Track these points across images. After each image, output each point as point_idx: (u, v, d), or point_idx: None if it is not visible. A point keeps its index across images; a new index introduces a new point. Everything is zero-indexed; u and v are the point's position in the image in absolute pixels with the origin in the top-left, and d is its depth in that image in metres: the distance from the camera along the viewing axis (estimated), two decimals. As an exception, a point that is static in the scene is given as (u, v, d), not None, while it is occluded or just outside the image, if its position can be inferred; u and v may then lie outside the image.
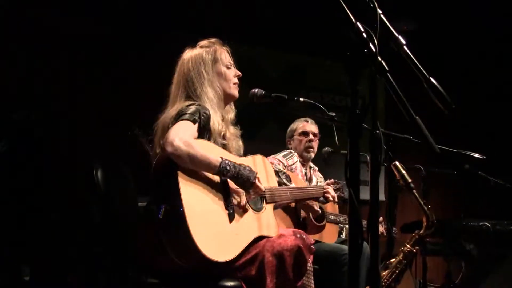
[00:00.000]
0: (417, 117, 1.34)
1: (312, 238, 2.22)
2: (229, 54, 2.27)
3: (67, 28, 4.23)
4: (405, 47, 1.37)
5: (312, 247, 2.08)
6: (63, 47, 4.22)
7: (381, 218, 3.25)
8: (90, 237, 3.45)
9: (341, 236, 3.56)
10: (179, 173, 1.86)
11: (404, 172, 2.28)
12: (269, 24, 4.97)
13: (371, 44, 1.27)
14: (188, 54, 2.22)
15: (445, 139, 2.26)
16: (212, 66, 2.19)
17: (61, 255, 3.71)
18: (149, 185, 1.99)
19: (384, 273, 2.33)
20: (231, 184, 1.99)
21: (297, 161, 3.41)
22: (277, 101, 2.40)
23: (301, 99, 2.39)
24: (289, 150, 3.48)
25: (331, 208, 3.36)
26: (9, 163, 3.60)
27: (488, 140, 5.27)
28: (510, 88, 5.62)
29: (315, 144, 3.50)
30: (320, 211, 3.12)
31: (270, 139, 4.85)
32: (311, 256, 2.10)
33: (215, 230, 1.88)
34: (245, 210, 2.03)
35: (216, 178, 1.96)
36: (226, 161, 1.93)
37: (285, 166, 3.28)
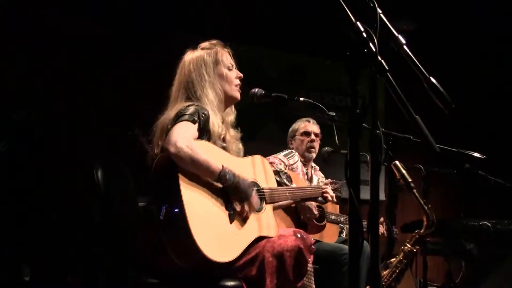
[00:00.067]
0: (417, 116, 1.34)
1: (312, 238, 2.22)
2: (230, 55, 2.27)
3: (67, 28, 4.23)
4: (405, 46, 1.37)
5: (313, 247, 2.08)
6: (63, 47, 4.22)
7: (382, 219, 3.25)
8: (90, 237, 3.45)
9: (342, 235, 3.56)
10: (180, 174, 1.86)
11: (404, 171, 2.28)
12: (269, 24, 4.97)
13: (371, 44, 1.27)
14: (189, 56, 2.22)
15: (445, 139, 2.25)
16: (213, 68, 2.18)
17: (61, 255, 3.71)
18: (149, 185, 1.99)
19: (384, 272, 2.33)
20: None
21: (298, 160, 3.41)
22: (277, 101, 2.40)
23: (301, 99, 2.39)
24: (290, 150, 3.48)
25: (332, 208, 3.36)
26: (9, 163, 3.60)
27: (488, 139, 5.26)
28: (510, 88, 5.62)
29: (317, 144, 3.51)
30: (319, 212, 3.13)
31: (270, 139, 4.85)
32: (312, 256, 2.10)
33: (216, 231, 1.89)
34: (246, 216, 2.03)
35: (217, 179, 1.96)
36: (227, 170, 1.92)
37: (286, 166, 3.28)
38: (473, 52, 5.59)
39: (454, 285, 3.81)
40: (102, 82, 4.33)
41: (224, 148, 2.11)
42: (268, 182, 2.25)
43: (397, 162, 2.29)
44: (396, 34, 1.38)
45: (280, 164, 3.23)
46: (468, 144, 2.70)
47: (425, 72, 1.35)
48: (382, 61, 1.28)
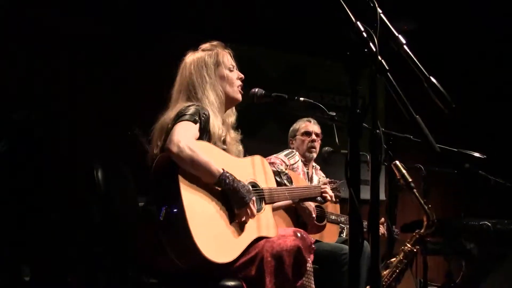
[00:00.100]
0: (417, 116, 1.34)
1: (312, 238, 2.22)
2: (231, 56, 2.27)
3: (67, 28, 4.23)
4: (405, 46, 1.37)
5: (313, 246, 2.08)
6: (63, 47, 4.22)
7: (382, 219, 3.25)
8: (90, 237, 3.45)
9: (342, 235, 3.56)
10: (180, 174, 1.86)
11: (404, 171, 2.28)
12: (269, 24, 4.97)
13: (371, 44, 1.27)
14: (190, 57, 2.22)
15: (445, 138, 2.25)
16: (214, 69, 2.18)
17: (61, 255, 3.71)
18: (149, 185, 1.99)
19: (384, 272, 2.33)
20: None
21: (298, 160, 3.41)
22: (277, 101, 2.40)
23: (301, 99, 2.39)
24: (290, 150, 3.48)
25: (332, 208, 3.36)
26: (9, 163, 3.60)
27: (488, 139, 5.27)
28: (510, 88, 5.62)
29: (318, 144, 3.51)
30: (320, 213, 3.13)
31: (270, 139, 4.85)
32: (311, 256, 2.10)
33: (216, 231, 1.88)
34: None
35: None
36: (227, 174, 1.92)
37: (287, 166, 3.28)
38: (473, 52, 5.59)
39: (454, 285, 3.81)
40: (102, 82, 4.33)
41: (224, 151, 2.11)
42: (267, 182, 2.25)
43: (397, 162, 2.29)
44: (396, 34, 1.38)
45: (281, 164, 3.23)
46: (468, 144, 2.70)
47: (425, 72, 1.35)
48: (382, 61, 1.28)
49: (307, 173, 3.48)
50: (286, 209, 3.03)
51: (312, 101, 2.41)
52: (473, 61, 5.66)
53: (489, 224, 3.60)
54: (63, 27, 4.22)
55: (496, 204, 4.53)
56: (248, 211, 1.97)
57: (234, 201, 1.95)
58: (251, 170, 2.17)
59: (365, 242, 2.51)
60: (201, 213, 1.85)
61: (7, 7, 4.06)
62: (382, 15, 1.34)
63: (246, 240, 1.98)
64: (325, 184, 2.90)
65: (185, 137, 1.87)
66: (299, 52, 5.41)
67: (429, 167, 3.00)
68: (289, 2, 4.76)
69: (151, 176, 1.96)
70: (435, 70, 1.44)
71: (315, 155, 3.50)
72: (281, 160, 3.29)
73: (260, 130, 5.10)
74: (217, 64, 2.19)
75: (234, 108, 2.30)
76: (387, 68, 1.29)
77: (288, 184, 2.76)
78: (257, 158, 2.26)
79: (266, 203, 2.16)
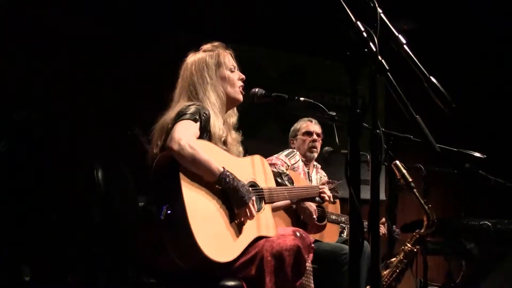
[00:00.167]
0: (417, 116, 1.34)
1: (312, 238, 2.22)
2: (232, 57, 2.27)
3: (67, 28, 4.23)
4: (405, 46, 1.37)
5: (312, 245, 2.08)
6: (63, 47, 4.22)
7: (383, 219, 3.25)
8: (90, 237, 3.45)
9: (342, 235, 3.56)
10: (181, 173, 1.86)
11: (404, 171, 2.28)
12: (269, 24, 4.97)
13: (371, 43, 1.27)
14: (191, 58, 2.22)
15: (445, 138, 2.25)
16: (215, 70, 2.18)
17: (61, 255, 3.71)
18: (149, 185, 1.99)
19: (385, 272, 2.33)
20: None
21: (299, 160, 3.41)
22: (277, 101, 2.40)
23: (301, 99, 2.39)
24: (291, 149, 3.48)
25: (332, 208, 3.36)
26: (9, 163, 3.60)
27: (489, 139, 5.27)
28: (510, 88, 5.62)
29: (319, 144, 3.51)
30: (320, 212, 3.13)
31: (270, 139, 4.86)
32: (311, 255, 2.10)
33: (216, 230, 1.89)
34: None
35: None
36: (227, 173, 1.92)
37: (288, 166, 3.28)
38: (473, 52, 5.59)
39: (454, 284, 3.81)
40: (102, 82, 4.33)
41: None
42: (267, 182, 2.25)
43: (397, 162, 2.29)
44: (396, 33, 1.38)
45: (283, 165, 3.23)
46: (468, 144, 2.70)
47: (425, 72, 1.35)
48: (382, 60, 1.28)
49: (308, 172, 3.48)
50: (286, 209, 3.03)
51: (312, 101, 2.41)
52: (473, 61, 5.66)
53: (489, 224, 3.60)
54: (63, 27, 4.22)
55: (496, 204, 4.53)
56: (247, 211, 1.96)
57: (233, 200, 1.95)
58: (251, 170, 2.17)
59: (365, 242, 2.52)
60: (202, 212, 1.85)
61: (7, 7, 4.06)
62: (382, 14, 1.34)
63: (246, 239, 1.98)
64: (323, 184, 2.91)
65: (186, 135, 1.87)
66: (299, 52, 5.41)
67: (429, 167, 3.00)
68: (289, 2, 4.76)
69: (152, 176, 1.96)
70: (435, 70, 1.44)
71: (316, 154, 3.50)
72: (282, 161, 3.29)
73: (260, 130, 5.10)
74: (218, 65, 2.19)
75: (235, 108, 2.30)
76: (387, 68, 1.28)
77: (289, 185, 2.76)
78: (257, 158, 2.26)
79: (265, 203, 2.17)
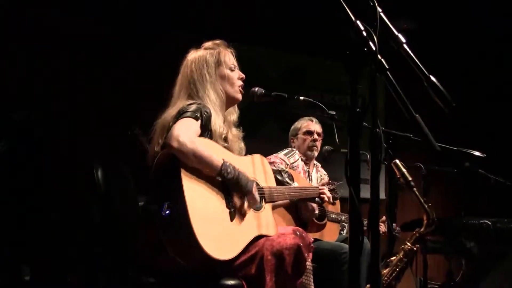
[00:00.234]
0: (417, 115, 1.34)
1: (312, 237, 2.22)
2: (233, 56, 2.27)
3: (67, 28, 4.23)
4: (405, 45, 1.37)
5: (312, 245, 2.08)
6: (63, 47, 4.23)
7: (383, 218, 3.25)
8: (90, 237, 3.45)
9: (342, 233, 3.56)
10: (182, 171, 1.86)
11: (404, 170, 2.28)
12: (269, 24, 4.97)
13: (371, 43, 1.27)
14: (192, 55, 2.22)
15: (445, 137, 2.25)
16: (215, 68, 2.18)
17: (61, 255, 3.71)
18: (149, 185, 1.99)
19: (384, 271, 2.33)
20: None
21: (298, 159, 3.41)
22: (277, 100, 2.40)
23: (301, 98, 2.39)
24: (290, 148, 3.48)
25: (332, 207, 3.36)
26: (9, 163, 3.60)
27: (488, 138, 5.27)
28: (510, 88, 5.62)
29: (319, 144, 3.51)
30: (320, 211, 3.13)
31: (270, 138, 4.86)
32: (310, 254, 2.10)
33: (217, 228, 1.89)
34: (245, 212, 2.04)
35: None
36: (228, 164, 1.93)
37: (287, 165, 3.28)
38: (473, 52, 5.59)
39: (454, 283, 3.81)
40: (102, 82, 4.33)
41: (225, 148, 2.11)
42: (267, 181, 2.25)
43: (397, 161, 2.29)
44: (396, 32, 1.38)
45: (281, 163, 3.24)
46: (468, 143, 2.70)
47: (425, 71, 1.35)
48: (382, 60, 1.28)
49: (308, 171, 3.48)
50: (287, 207, 3.03)
51: (312, 100, 2.42)
52: (473, 61, 5.66)
53: (489, 223, 3.59)
54: (63, 27, 4.22)
55: (496, 202, 4.53)
56: (252, 198, 2.00)
57: (237, 189, 1.97)
58: (251, 169, 2.18)
59: (365, 239, 2.52)
60: (203, 210, 1.85)
61: (7, 7, 4.06)
62: (382, 14, 1.34)
63: (246, 238, 1.99)
64: (323, 185, 2.91)
65: (185, 132, 1.87)
66: (299, 52, 5.41)
67: (429, 166, 3.00)
68: (289, 2, 4.76)
69: (152, 174, 1.96)
70: (435, 70, 1.44)
71: (316, 153, 3.50)
72: (281, 159, 3.29)
73: (260, 129, 5.10)
74: (218, 63, 2.19)
75: (236, 106, 2.30)
76: (387, 67, 1.29)
77: (289, 181, 2.76)
78: (257, 157, 2.26)
79: (266, 202, 2.17)
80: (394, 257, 2.36)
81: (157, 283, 1.96)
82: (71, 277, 3.71)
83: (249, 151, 2.28)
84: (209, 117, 2.03)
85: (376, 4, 1.34)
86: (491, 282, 3.50)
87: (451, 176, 4.21)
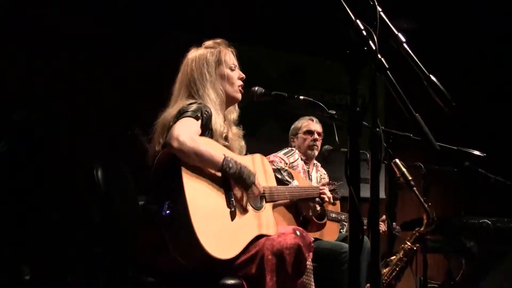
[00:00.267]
0: (417, 114, 1.34)
1: (312, 236, 2.22)
2: (234, 55, 2.27)
3: (67, 28, 4.23)
4: (405, 44, 1.37)
5: (312, 244, 2.08)
6: (63, 47, 4.23)
7: (383, 217, 3.25)
8: (90, 237, 3.45)
9: (342, 231, 3.56)
10: (183, 169, 1.86)
11: (404, 169, 2.28)
12: (269, 24, 4.98)
13: (371, 42, 1.27)
14: (193, 54, 2.22)
15: (445, 137, 2.26)
16: (215, 67, 2.18)
17: (61, 255, 3.71)
18: (149, 184, 1.99)
19: (384, 270, 2.33)
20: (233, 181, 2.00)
21: (298, 158, 3.42)
22: (277, 99, 2.40)
23: (301, 97, 2.40)
24: (290, 148, 3.48)
25: (332, 207, 3.36)
26: (9, 163, 3.60)
27: (488, 138, 5.27)
28: (510, 88, 5.63)
29: (319, 143, 3.51)
30: (320, 211, 3.13)
31: (270, 137, 4.86)
32: (311, 254, 2.10)
33: (218, 228, 1.89)
34: (245, 209, 2.04)
35: (219, 176, 1.97)
36: (229, 158, 1.93)
37: (286, 164, 3.28)
38: (473, 52, 5.59)
39: (454, 283, 3.81)
40: (102, 82, 4.33)
41: (226, 147, 2.11)
42: (268, 181, 2.25)
43: (397, 160, 2.29)
44: (396, 32, 1.38)
45: (281, 162, 3.24)
46: (468, 142, 2.70)
47: (425, 70, 1.35)
48: (382, 59, 1.28)
49: (308, 171, 3.48)
50: (287, 206, 3.03)
51: (311, 99, 2.42)
52: (473, 61, 5.66)
53: (489, 222, 3.60)
54: (63, 27, 4.22)
55: (496, 202, 4.53)
56: (255, 190, 2.02)
57: (240, 183, 1.98)
58: (251, 169, 2.17)
59: (365, 238, 2.52)
60: (204, 209, 1.85)
61: (7, 7, 4.06)
62: (382, 13, 1.34)
63: (246, 237, 1.99)
64: (323, 185, 2.91)
65: (185, 132, 1.87)
66: (299, 52, 5.41)
67: (429, 165, 3.00)
68: (289, 2, 4.76)
69: (152, 174, 1.96)
70: (435, 70, 1.44)
71: (316, 153, 3.50)
72: (280, 158, 3.30)
73: (260, 128, 5.11)
74: (219, 62, 2.19)
75: (236, 105, 2.30)
76: (387, 66, 1.29)
77: (289, 180, 2.76)
78: (257, 156, 2.27)
79: (266, 202, 2.17)
80: (394, 257, 2.36)
81: (157, 283, 1.96)
82: (71, 277, 3.71)
83: (249, 150, 2.29)
84: (209, 117, 2.03)
85: (376, 4, 1.34)
86: (491, 281, 3.50)
87: (451, 176, 4.22)
